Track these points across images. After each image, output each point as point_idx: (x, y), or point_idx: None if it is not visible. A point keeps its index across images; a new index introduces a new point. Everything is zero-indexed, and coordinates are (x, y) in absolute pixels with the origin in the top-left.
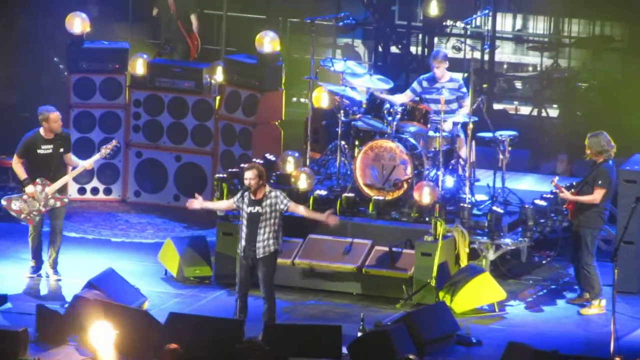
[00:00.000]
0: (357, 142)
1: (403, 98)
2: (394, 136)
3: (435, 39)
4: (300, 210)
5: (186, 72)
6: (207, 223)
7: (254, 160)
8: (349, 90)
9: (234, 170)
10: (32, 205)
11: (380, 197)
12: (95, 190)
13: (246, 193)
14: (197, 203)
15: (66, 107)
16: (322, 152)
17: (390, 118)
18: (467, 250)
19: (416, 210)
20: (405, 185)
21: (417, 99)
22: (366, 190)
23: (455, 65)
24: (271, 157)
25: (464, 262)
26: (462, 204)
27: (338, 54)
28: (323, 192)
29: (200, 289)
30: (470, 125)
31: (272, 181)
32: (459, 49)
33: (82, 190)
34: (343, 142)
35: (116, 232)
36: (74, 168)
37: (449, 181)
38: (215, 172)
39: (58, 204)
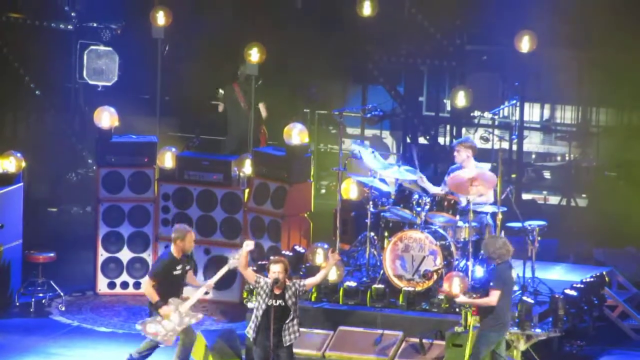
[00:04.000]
0: (386, 233)
1: (437, 190)
2: (423, 227)
3: (463, 130)
4: (314, 280)
5: (215, 164)
6: (237, 316)
7: (283, 252)
8: (378, 181)
9: (263, 262)
10: (167, 326)
11: (410, 288)
12: (124, 285)
13: (267, 283)
14: (250, 246)
15: (95, 202)
16: (351, 243)
17: (419, 209)
18: None
19: (446, 301)
20: (435, 276)
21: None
22: (396, 281)
23: (483, 155)
24: (300, 249)
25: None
26: None
27: (366, 145)
28: (353, 284)
29: None
30: (499, 215)
31: (301, 273)
32: (487, 139)
33: (111, 285)
34: (372, 233)
35: None
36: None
37: (479, 271)
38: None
39: (193, 320)
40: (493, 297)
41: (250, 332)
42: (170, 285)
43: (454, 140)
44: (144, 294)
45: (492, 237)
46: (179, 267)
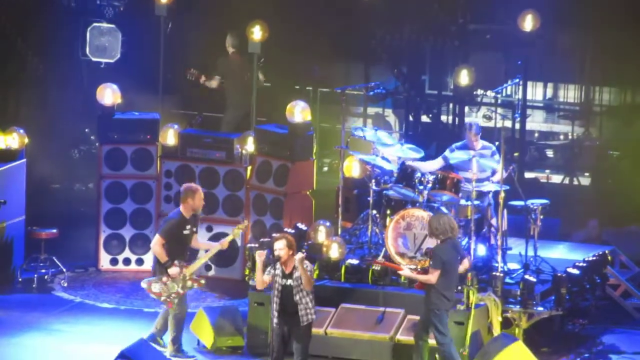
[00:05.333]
0: (388, 211)
1: (434, 164)
2: (425, 205)
3: (466, 108)
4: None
5: (217, 142)
6: (239, 293)
7: (285, 229)
8: (380, 159)
9: (265, 240)
10: (171, 287)
11: (412, 266)
12: (127, 261)
13: (277, 264)
14: (263, 256)
15: (97, 178)
16: (353, 221)
17: (421, 187)
18: (500, 319)
19: None
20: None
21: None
22: (398, 259)
23: (486, 133)
24: (303, 227)
25: (496, 330)
26: (494, 273)
27: (369, 123)
28: (355, 261)
29: (233, 359)
30: (502, 194)
31: (303, 251)
32: (489, 118)
33: (114, 261)
34: (374, 211)
35: (148, 302)
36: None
37: (481, 250)
38: (246, 242)
39: (195, 285)
40: (432, 276)
41: (274, 313)
42: (178, 245)
43: (456, 119)
44: (153, 252)
45: (437, 214)
46: (188, 227)
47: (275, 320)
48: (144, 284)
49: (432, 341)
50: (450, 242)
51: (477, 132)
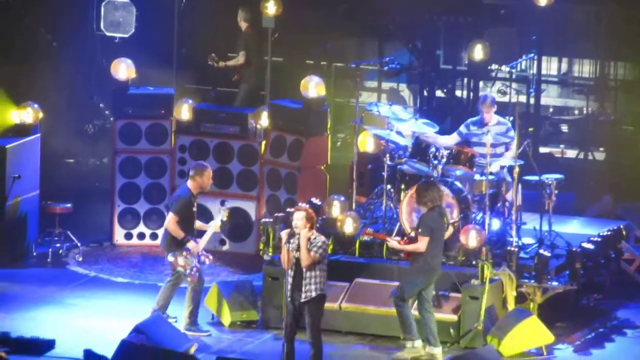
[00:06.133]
0: (402, 186)
1: (449, 140)
2: (439, 180)
3: (481, 83)
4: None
5: (231, 117)
6: (253, 267)
7: (299, 204)
8: (394, 134)
9: (279, 214)
10: (191, 261)
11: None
12: (141, 235)
13: (293, 238)
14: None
15: (112, 153)
16: (367, 196)
17: (436, 162)
18: (515, 293)
19: (463, 254)
20: (452, 229)
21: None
22: (413, 234)
23: (500, 108)
24: (317, 202)
25: (511, 305)
26: (508, 248)
27: (383, 98)
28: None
29: (247, 334)
30: (517, 169)
31: (317, 225)
32: (504, 93)
33: (128, 235)
34: (389, 186)
35: (163, 276)
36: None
37: (496, 224)
38: (260, 216)
39: (207, 260)
40: (421, 244)
41: (287, 287)
42: (189, 222)
43: (471, 94)
44: (167, 229)
45: (424, 183)
46: (195, 204)
47: (288, 294)
48: (170, 258)
49: (443, 315)
50: (438, 210)
51: (491, 103)
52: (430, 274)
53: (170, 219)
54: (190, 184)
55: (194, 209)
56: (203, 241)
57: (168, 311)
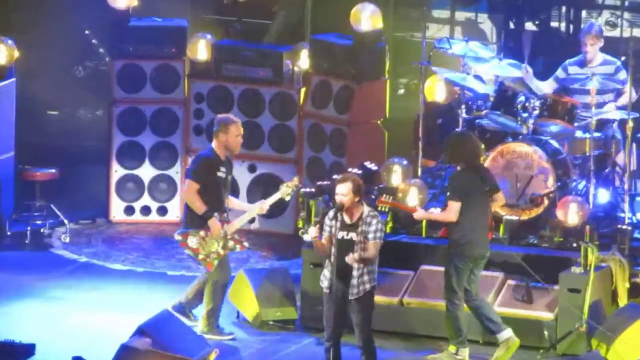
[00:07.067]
0: (482, 146)
1: (543, 86)
2: (530, 138)
3: (583, 12)
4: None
5: (262, 57)
6: (290, 251)
7: (349, 170)
8: (472, 79)
9: (323, 183)
10: (210, 245)
11: (514, 217)
12: (146, 210)
13: (339, 214)
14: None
15: (108, 103)
16: (437, 159)
17: (525, 115)
18: (628, 285)
19: (560, 234)
20: (546, 201)
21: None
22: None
23: (609, 45)
24: (372, 166)
25: (622, 300)
26: (619, 226)
27: (457, 33)
28: (437, 211)
29: (282, 337)
30: (630, 124)
31: (372, 197)
32: (614, 25)
33: (129, 210)
34: None
35: (173, 263)
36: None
37: (603, 195)
38: (299, 185)
39: (238, 248)
40: (451, 211)
41: (323, 280)
42: (215, 192)
43: (571, 27)
44: (185, 201)
45: (457, 132)
46: (222, 169)
47: (326, 284)
48: (178, 236)
49: (535, 312)
50: (475, 169)
51: (598, 33)
52: (469, 252)
53: (189, 186)
54: (214, 143)
55: (221, 174)
56: (238, 222)
57: (196, 311)
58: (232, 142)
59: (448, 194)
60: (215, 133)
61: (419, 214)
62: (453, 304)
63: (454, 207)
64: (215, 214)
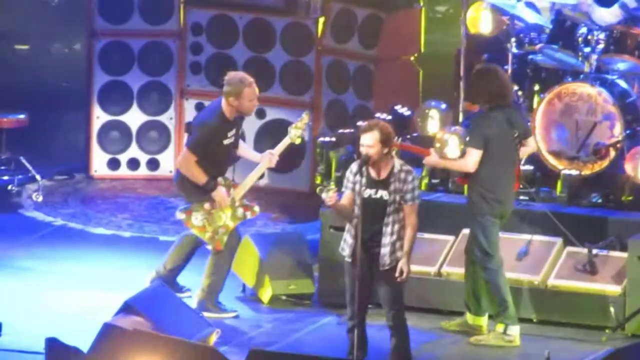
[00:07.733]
0: (536, 87)
1: (607, 15)
2: (593, 77)
3: None
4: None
5: None
6: (305, 213)
7: (376, 115)
8: (523, 7)
9: (346, 130)
10: (217, 218)
11: (574, 172)
12: (133, 163)
13: (364, 168)
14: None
15: (87, 36)
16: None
17: (587, 49)
18: None
19: (629, 192)
20: (612, 153)
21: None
22: (551, 160)
23: None
24: (403, 111)
25: None
26: None
27: None
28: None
29: (297, 314)
30: None
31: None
32: None
33: (113, 163)
34: (515, 87)
35: (166, 227)
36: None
37: None
38: (316, 134)
39: (248, 214)
40: (467, 160)
41: (344, 247)
42: (216, 161)
43: None
44: (182, 172)
45: (481, 66)
46: (230, 134)
47: (348, 252)
48: (180, 215)
49: (598, 285)
50: (501, 111)
51: None
52: (495, 209)
53: (185, 157)
54: (223, 104)
55: (227, 141)
56: (245, 184)
57: (179, 279)
58: (246, 107)
59: (467, 138)
60: (225, 94)
61: (430, 158)
62: (490, 271)
63: (473, 155)
64: (220, 179)
